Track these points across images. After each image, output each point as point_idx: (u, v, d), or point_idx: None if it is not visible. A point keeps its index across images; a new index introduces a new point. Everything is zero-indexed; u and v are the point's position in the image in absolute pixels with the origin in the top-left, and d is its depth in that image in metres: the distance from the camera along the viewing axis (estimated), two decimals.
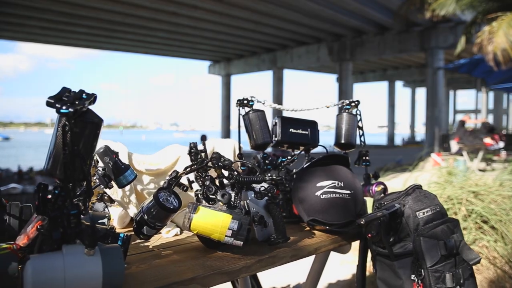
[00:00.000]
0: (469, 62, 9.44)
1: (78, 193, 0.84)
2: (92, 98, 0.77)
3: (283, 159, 1.44)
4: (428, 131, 14.35)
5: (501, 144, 7.70)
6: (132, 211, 1.25)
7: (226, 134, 22.16)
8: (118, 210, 1.28)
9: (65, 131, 0.74)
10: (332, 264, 3.15)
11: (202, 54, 20.87)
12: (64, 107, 0.73)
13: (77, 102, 0.75)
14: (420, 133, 35.26)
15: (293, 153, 1.47)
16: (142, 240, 1.10)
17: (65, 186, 0.77)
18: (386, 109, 27.04)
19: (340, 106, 1.59)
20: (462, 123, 8.63)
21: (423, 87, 27.16)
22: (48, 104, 0.74)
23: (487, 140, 7.42)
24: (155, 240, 1.17)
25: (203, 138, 9.62)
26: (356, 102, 1.57)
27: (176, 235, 1.24)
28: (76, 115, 0.74)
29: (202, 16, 13.53)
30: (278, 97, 20.01)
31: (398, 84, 28.45)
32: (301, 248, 1.16)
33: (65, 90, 0.77)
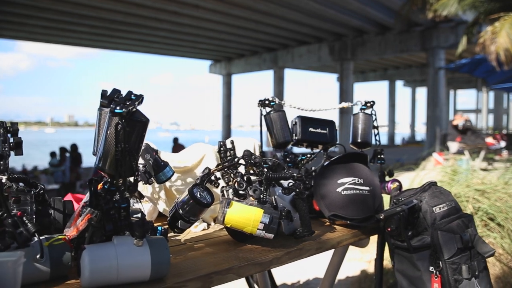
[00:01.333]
0: (470, 62, 9.50)
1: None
2: (140, 99, 0.83)
3: (303, 157, 1.50)
4: (429, 130, 14.40)
5: (503, 144, 7.77)
6: (161, 206, 1.30)
7: (227, 133, 22.20)
8: (147, 205, 1.33)
9: (117, 130, 0.79)
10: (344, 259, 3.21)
11: (203, 53, 20.90)
12: (118, 108, 0.78)
13: (128, 103, 0.80)
14: (420, 132, 35.35)
15: (312, 152, 1.53)
16: (173, 234, 1.16)
17: (116, 181, 0.83)
18: (386, 108, 27.11)
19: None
20: (453, 125, 8.70)
21: (423, 86, 27.23)
22: (103, 104, 0.80)
23: (489, 140, 7.48)
24: (185, 235, 1.23)
25: (175, 140, 9.58)
26: (372, 103, 1.63)
27: (204, 229, 1.29)
28: (128, 115, 0.79)
29: (204, 16, 13.57)
30: (278, 96, 19.99)
31: (399, 84, 28.50)
32: (324, 241, 1.22)
33: (115, 91, 0.83)
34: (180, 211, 1.05)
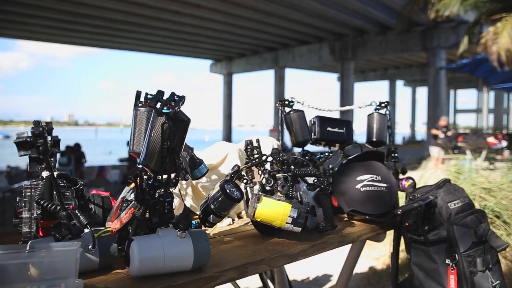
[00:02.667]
0: (472, 62, 9.57)
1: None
2: (183, 99, 0.89)
3: (321, 156, 1.56)
4: (430, 130, 14.47)
5: (504, 144, 7.83)
6: (188, 202, 1.36)
7: (228, 133, 22.24)
8: (174, 201, 1.39)
9: (164, 129, 0.85)
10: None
11: (204, 53, 20.93)
12: (165, 108, 0.84)
13: (173, 103, 0.86)
14: (421, 132, 35.42)
15: (330, 150, 1.58)
16: (203, 228, 1.21)
17: (160, 177, 0.89)
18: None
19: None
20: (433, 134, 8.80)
21: (423, 86, 27.30)
22: (150, 105, 0.85)
23: (491, 140, 7.55)
24: (212, 229, 1.28)
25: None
26: (386, 103, 1.69)
27: (229, 224, 1.35)
28: (174, 115, 0.85)
29: (205, 15, 13.61)
30: (279, 96, 20.09)
31: (399, 84, 28.57)
32: (346, 235, 1.27)
33: (160, 92, 0.88)
34: (212, 206, 1.10)
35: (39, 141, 0.82)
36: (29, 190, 1.00)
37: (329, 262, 3.11)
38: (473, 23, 8.89)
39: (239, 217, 1.46)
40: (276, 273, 1.78)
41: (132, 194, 1.06)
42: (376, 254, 3.13)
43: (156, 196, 0.90)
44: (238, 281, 1.78)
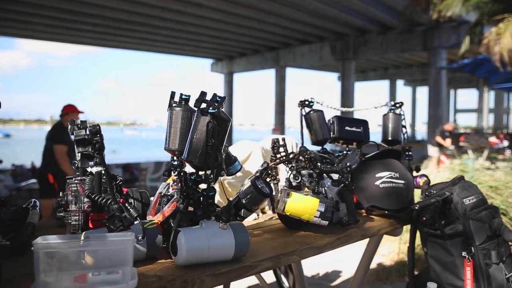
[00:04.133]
0: (473, 62, 9.63)
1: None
2: (224, 100, 0.95)
3: (340, 154, 1.62)
4: (430, 130, 14.54)
5: (506, 143, 7.90)
6: (216, 198, 1.42)
7: (228, 131, 22.27)
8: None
9: (208, 127, 0.91)
10: (357, 254, 3.34)
11: (205, 52, 20.97)
12: (211, 108, 0.90)
13: (216, 104, 0.92)
14: (421, 132, 35.51)
15: (347, 148, 1.65)
16: None
17: (203, 172, 0.95)
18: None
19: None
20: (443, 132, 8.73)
21: (423, 86, 27.36)
22: (196, 106, 0.92)
23: (492, 139, 7.62)
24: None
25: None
26: (400, 103, 1.75)
27: (255, 219, 1.41)
28: (218, 114, 0.91)
29: (207, 15, 13.65)
30: (280, 95, 20.16)
31: (399, 83, 28.63)
32: (367, 229, 1.34)
33: (203, 93, 0.95)
34: (243, 201, 1.16)
35: (95, 138, 0.88)
36: (75, 185, 1.06)
37: (336, 259, 3.18)
38: (474, 23, 8.95)
39: (263, 212, 1.52)
40: (294, 267, 1.85)
41: (171, 189, 1.12)
42: (385, 251, 3.19)
43: (199, 190, 0.96)
44: (249, 278, 1.85)
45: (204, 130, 0.92)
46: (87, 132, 0.90)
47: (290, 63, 19.50)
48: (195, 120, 0.95)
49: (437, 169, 5.26)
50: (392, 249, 3.11)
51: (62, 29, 15.09)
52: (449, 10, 7.77)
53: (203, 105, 0.94)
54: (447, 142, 7.98)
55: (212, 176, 0.95)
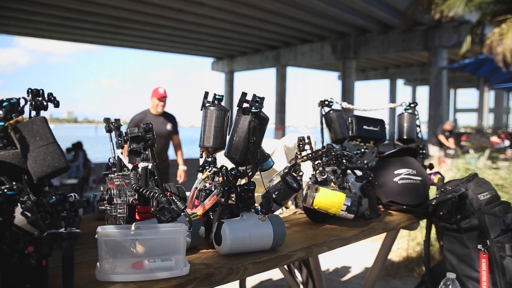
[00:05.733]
0: (474, 61, 9.72)
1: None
2: (263, 100, 1.02)
3: (358, 151, 1.69)
4: (430, 129, 14.63)
5: (507, 143, 7.98)
6: None
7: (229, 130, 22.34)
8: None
9: (250, 126, 0.98)
10: (363, 252, 3.42)
11: (206, 51, 21.02)
12: (253, 108, 0.97)
13: (257, 104, 0.99)
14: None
15: (365, 146, 1.72)
16: None
17: (246, 167, 1.02)
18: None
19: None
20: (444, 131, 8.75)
21: (424, 85, 27.45)
22: (239, 106, 0.98)
23: (494, 139, 7.70)
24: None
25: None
26: (415, 104, 1.82)
27: (280, 213, 1.48)
28: (260, 113, 0.98)
29: (208, 13, 13.70)
30: (281, 94, 20.22)
31: (399, 83, 28.72)
32: (387, 223, 1.41)
33: (244, 94, 1.01)
34: (273, 196, 1.23)
35: (148, 135, 0.95)
36: (118, 179, 1.13)
37: (344, 255, 3.25)
38: (476, 23, 9.03)
39: (286, 207, 1.59)
40: (311, 261, 1.92)
41: (207, 183, 1.19)
42: (394, 248, 3.26)
43: (237, 184, 1.03)
44: (261, 275, 1.92)
45: (245, 128, 0.99)
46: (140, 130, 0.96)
47: (291, 62, 19.56)
48: (236, 119, 1.02)
49: (439, 169, 5.33)
50: (401, 246, 3.18)
51: (64, 27, 15.13)
52: (451, 11, 7.85)
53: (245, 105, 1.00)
54: (451, 142, 7.98)
55: (251, 171, 1.02)
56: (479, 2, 7.68)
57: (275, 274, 2.84)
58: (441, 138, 8.13)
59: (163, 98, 3.96)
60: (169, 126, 4.02)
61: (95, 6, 12.72)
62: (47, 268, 0.70)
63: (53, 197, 0.74)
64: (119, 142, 1.30)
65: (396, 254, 3.15)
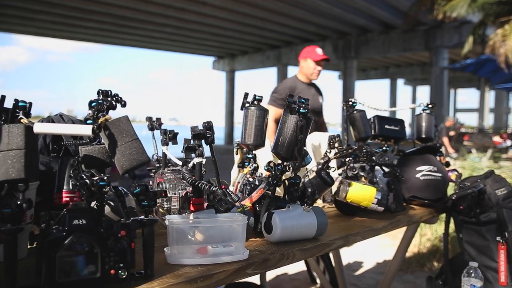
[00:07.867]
0: (476, 62, 9.82)
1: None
2: (308, 101, 1.11)
3: (380, 149, 1.79)
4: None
5: (509, 143, 8.10)
6: None
7: (230, 129, 22.45)
8: None
9: (298, 125, 1.07)
10: (372, 247, 3.52)
11: (207, 50, 21.10)
12: (301, 108, 1.06)
13: (304, 105, 1.08)
14: None
15: (386, 145, 1.82)
16: None
17: (293, 163, 1.11)
18: (387, 107, 27.41)
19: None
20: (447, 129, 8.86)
21: (424, 85, 27.59)
22: (288, 106, 1.08)
23: (496, 139, 7.81)
24: None
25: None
26: (433, 104, 1.92)
27: None
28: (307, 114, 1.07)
29: (210, 13, 13.77)
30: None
31: (400, 82, 28.84)
32: (411, 216, 1.51)
33: (291, 95, 1.11)
34: (309, 190, 1.33)
35: (208, 132, 1.04)
36: (170, 173, 1.22)
37: (355, 252, 3.35)
38: (478, 24, 9.13)
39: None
40: (334, 255, 2.01)
41: (250, 178, 1.28)
42: None
43: (286, 178, 1.13)
44: (277, 269, 2.03)
45: (292, 127, 1.08)
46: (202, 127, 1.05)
47: (292, 61, 19.62)
48: (283, 118, 1.11)
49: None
50: (412, 241, 3.27)
51: (68, 26, 15.17)
52: (454, 11, 7.95)
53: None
54: (450, 149, 8.05)
55: (299, 166, 1.11)
56: (482, 3, 7.78)
57: (291, 268, 2.94)
58: (445, 140, 8.25)
59: (321, 62, 3.09)
60: (321, 99, 3.23)
61: (98, 5, 12.77)
62: (134, 250, 0.79)
63: (137, 187, 0.83)
64: (164, 139, 1.39)
65: (409, 249, 3.24)
